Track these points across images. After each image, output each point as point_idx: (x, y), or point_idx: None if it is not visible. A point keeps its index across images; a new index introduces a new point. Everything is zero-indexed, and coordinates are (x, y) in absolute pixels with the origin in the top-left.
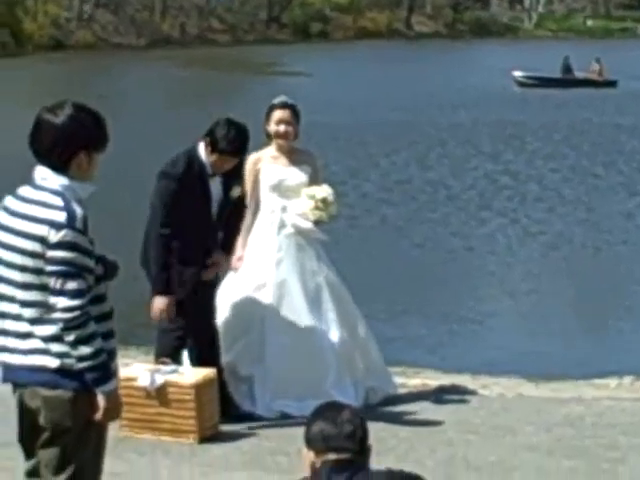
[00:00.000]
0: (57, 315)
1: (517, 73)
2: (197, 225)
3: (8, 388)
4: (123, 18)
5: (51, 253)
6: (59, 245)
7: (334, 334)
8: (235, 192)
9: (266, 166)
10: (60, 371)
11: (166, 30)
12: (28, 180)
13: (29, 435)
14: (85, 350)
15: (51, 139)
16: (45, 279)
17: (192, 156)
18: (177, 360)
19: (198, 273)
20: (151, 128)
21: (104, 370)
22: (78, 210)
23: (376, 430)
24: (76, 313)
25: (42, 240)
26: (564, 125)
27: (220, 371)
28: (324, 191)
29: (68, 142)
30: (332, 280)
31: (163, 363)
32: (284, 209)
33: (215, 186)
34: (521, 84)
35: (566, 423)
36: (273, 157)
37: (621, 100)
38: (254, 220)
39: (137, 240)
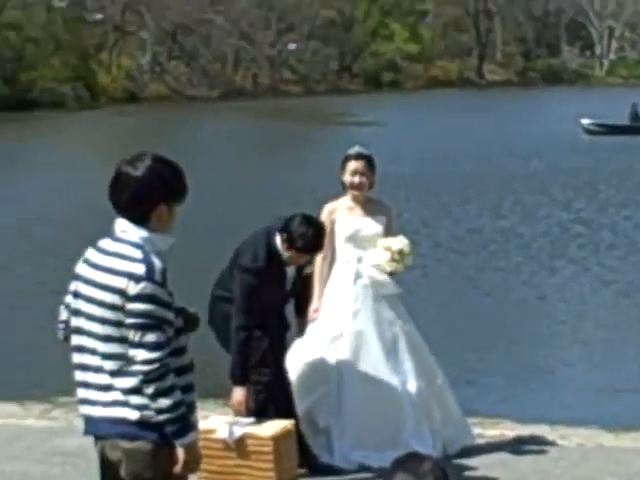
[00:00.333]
0: (136, 368)
1: (585, 121)
2: (274, 304)
3: (89, 441)
4: (196, 70)
5: (130, 306)
6: (138, 297)
7: (411, 384)
8: (308, 270)
9: (341, 217)
10: (140, 423)
11: (238, 81)
12: (108, 233)
13: None
14: (164, 403)
15: (131, 192)
16: (125, 332)
17: (271, 247)
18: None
19: (274, 345)
20: (226, 180)
21: (183, 423)
22: (157, 262)
23: None
24: (155, 366)
25: (121, 292)
26: (637, 172)
27: (297, 422)
28: (400, 243)
29: (148, 194)
30: (408, 330)
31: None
32: (360, 260)
33: (290, 270)
34: (589, 132)
35: None
36: (348, 207)
37: None
38: (330, 271)
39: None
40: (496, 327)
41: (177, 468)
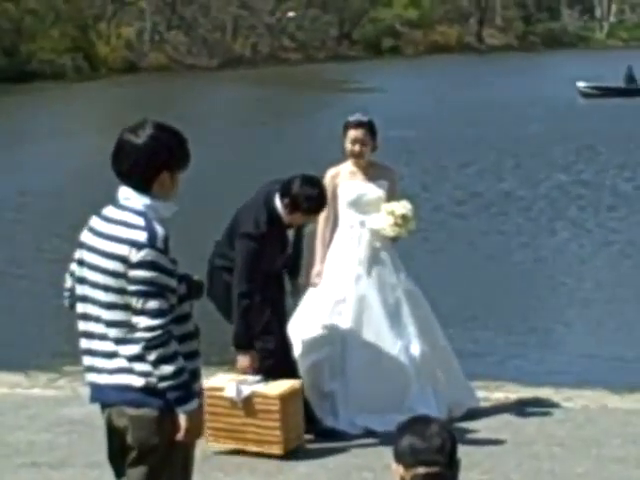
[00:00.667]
0: (139, 335)
1: (580, 84)
2: (274, 267)
3: (95, 409)
4: (195, 39)
5: (132, 273)
6: (140, 264)
7: (415, 348)
8: (307, 230)
9: (344, 181)
10: (145, 390)
11: (238, 50)
12: (111, 200)
13: (118, 454)
14: (166, 369)
15: (133, 159)
16: (128, 299)
17: (271, 212)
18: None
19: (275, 310)
20: (227, 149)
21: (186, 390)
22: (159, 230)
23: (461, 444)
24: (157, 332)
25: (124, 260)
26: (635, 133)
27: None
28: (404, 207)
29: (150, 162)
30: (412, 294)
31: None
32: (362, 224)
33: (291, 232)
34: (585, 95)
35: None
36: (351, 172)
37: None
38: (332, 235)
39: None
40: (498, 290)
41: (179, 436)
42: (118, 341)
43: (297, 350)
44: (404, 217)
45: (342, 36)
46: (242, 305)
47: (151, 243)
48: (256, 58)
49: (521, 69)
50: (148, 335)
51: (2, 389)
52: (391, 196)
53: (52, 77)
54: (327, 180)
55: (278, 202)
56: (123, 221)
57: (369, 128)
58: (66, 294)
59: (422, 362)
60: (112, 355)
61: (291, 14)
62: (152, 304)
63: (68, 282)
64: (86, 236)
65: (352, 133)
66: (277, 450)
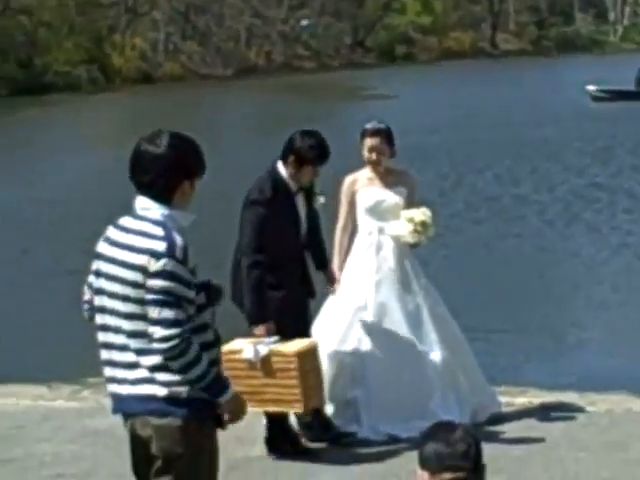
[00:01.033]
0: (155, 345)
1: (591, 87)
2: (288, 244)
3: (119, 420)
4: (209, 49)
5: (150, 282)
6: (158, 274)
7: (436, 354)
8: (319, 201)
9: (362, 188)
10: (168, 399)
11: (252, 59)
12: (127, 211)
13: (142, 464)
14: (192, 375)
15: (156, 170)
16: (146, 309)
17: (276, 178)
18: None
19: (292, 293)
20: (244, 157)
21: (218, 382)
22: (178, 240)
23: (486, 449)
24: (173, 342)
25: (143, 270)
26: None
27: None
28: (423, 214)
29: (173, 171)
30: (432, 300)
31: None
32: (381, 231)
33: (300, 203)
34: (595, 98)
35: None
36: (369, 179)
37: None
38: (351, 242)
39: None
40: (516, 294)
41: (226, 417)
42: (139, 352)
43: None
44: (424, 224)
45: (356, 43)
46: (252, 276)
47: (170, 253)
48: (270, 67)
49: (535, 74)
50: (164, 346)
51: (25, 401)
52: (410, 202)
53: (67, 89)
54: (345, 187)
55: (281, 167)
56: (142, 231)
57: (386, 136)
58: (85, 307)
59: (444, 368)
60: (133, 366)
61: (305, 22)
62: (168, 314)
63: (86, 294)
64: (103, 247)
65: (369, 141)
66: (298, 409)
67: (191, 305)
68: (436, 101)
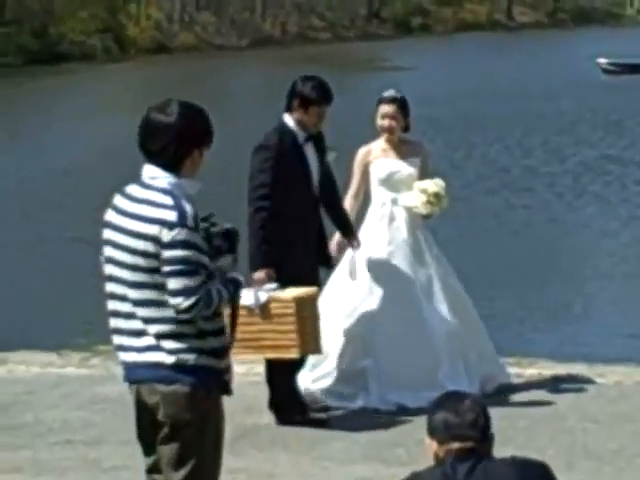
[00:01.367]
0: (182, 316)
1: (601, 60)
2: (299, 195)
3: (125, 387)
4: (224, 19)
5: (167, 253)
6: (173, 244)
7: (446, 325)
8: (331, 156)
9: (376, 159)
10: (176, 367)
11: (267, 30)
12: (138, 179)
13: (148, 431)
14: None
15: (166, 138)
16: (158, 278)
17: (283, 128)
18: None
19: (306, 250)
20: (258, 128)
21: (232, 286)
22: (188, 208)
23: (494, 420)
24: (197, 309)
25: (154, 239)
26: None
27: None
28: (436, 185)
29: (184, 140)
30: (443, 271)
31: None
32: (394, 201)
33: (310, 155)
34: (606, 71)
35: None
36: (383, 150)
37: None
38: (364, 213)
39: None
40: (526, 266)
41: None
42: (146, 320)
43: (328, 328)
44: (437, 195)
45: (371, 15)
46: (255, 220)
47: (182, 222)
48: (285, 38)
49: (551, 46)
50: (190, 315)
51: (35, 368)
52: (424, 172)
53: (82, 58)
54: (359, 157)
55: (288, 118)
56: (150, 200)
57: (401, 104)
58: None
59: (453, 338)
60: (140, 333)
61: None
62: (188, 282)
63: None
64: (111, 215)
65: (383, 108)
66: (294, 354)
67: (206, 271)
68: (451, 73)
